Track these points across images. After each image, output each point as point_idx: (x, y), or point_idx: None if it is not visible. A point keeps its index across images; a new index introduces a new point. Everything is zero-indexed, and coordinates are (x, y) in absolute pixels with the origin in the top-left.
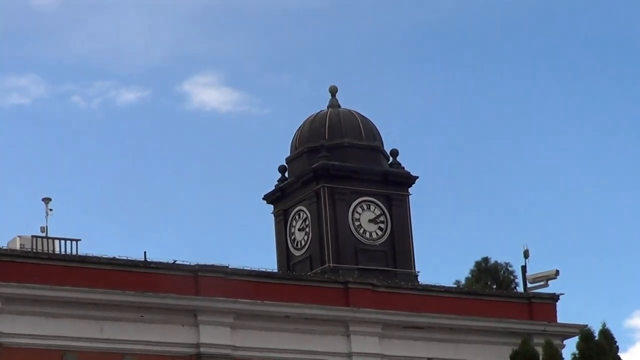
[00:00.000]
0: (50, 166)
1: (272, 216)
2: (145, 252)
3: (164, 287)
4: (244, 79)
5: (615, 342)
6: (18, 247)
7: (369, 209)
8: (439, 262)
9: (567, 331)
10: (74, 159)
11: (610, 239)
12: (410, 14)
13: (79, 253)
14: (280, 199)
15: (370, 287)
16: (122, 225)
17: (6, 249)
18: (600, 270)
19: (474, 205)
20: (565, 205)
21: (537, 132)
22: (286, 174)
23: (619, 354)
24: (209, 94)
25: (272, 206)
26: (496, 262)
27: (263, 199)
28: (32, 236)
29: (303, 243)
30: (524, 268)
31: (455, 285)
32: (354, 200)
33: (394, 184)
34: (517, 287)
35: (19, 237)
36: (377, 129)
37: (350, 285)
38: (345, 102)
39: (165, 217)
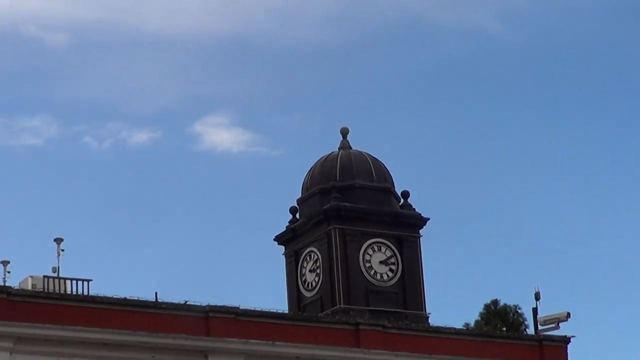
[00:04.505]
0: (62, 207)
1: (283, 257)
2: (156, 293)
3: (175, 328)
4: (255, 119)
5: None
6: (30, 287)
7: (380, 250)
8: (449, 304)
9: None
10: (86, 200)
11: (621, 282)
12: (421, 55)
13: (91, 293)
14: (291, 240)
15: (380, 329)
16: (133, 266)
17: (18, 289)
18: (612, 313)
19: (485, 247)
20: (576, 247)
21: (547, 174)
22: (297, 215)
23: None
24: (220, 135)
25: (283, 247)
26: (505, 304)
27: (274, 240)
28: (44, 276)
29: (314, 284)
30: (535, 310)
31: (465, 327)
32: (365, 242)
33: (405, 226)
34: (526, 330)
35: (31, 277)
36: (388, 170)
37: (361, 327)
38: (357, 144)
39: (176, 257)
